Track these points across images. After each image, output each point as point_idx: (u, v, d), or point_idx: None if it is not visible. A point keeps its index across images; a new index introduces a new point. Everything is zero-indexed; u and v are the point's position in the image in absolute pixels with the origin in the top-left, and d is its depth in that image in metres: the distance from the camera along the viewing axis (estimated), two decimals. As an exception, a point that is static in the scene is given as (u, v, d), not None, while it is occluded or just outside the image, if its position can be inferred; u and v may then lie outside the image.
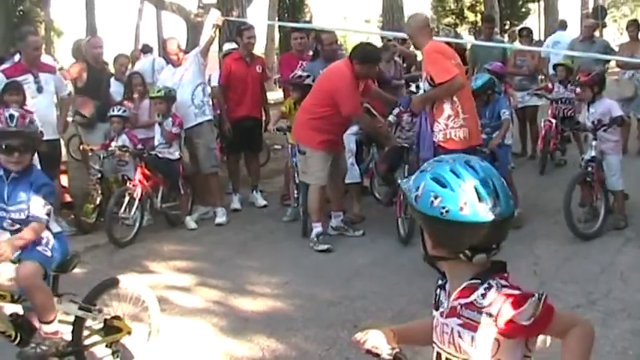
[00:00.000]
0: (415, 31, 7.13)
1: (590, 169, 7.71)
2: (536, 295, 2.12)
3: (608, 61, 13.41)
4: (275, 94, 16.57)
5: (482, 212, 2.12)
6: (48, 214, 4.57)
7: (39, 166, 8.02)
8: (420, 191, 2.19)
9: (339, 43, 9.82)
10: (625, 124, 8.53)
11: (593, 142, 7.81)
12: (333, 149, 7.95)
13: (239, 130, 9.54)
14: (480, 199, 2.13)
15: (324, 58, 8.90)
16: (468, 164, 2.22)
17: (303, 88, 8.59)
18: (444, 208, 2.12)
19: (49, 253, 4.51)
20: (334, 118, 7.66)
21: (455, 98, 6.73)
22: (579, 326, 2.19)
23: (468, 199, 2.12)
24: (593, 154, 7.75)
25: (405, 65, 11.40)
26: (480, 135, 7.40)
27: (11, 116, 4.51)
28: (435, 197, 2.15)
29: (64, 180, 9.53)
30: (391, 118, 8.26)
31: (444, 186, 2.16)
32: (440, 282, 2.40)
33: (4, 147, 4.46)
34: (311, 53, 9.73)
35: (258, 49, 34.96)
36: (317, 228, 7.84)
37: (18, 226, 4.52)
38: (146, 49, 14.89)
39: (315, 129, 7.77)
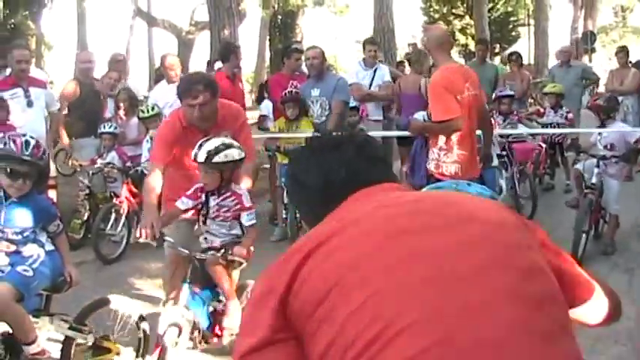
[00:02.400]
0: (432, 48, 6.55)
1: (592, 195, 7.65)
2: None
3: (590, 84, 13.69)
4: (255, 113, 16.51)
5: None
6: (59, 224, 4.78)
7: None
8: None
9: (327, 61, 9.74)
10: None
11: (595, 170, 7.72)
12: None
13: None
14: None
15: (313, 76, 8.92)
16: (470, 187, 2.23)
17: (298, 104, 8.67)
18: None
19: (29, 273, 4.44)
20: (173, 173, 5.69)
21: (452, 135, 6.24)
22: None
23: None
24: (594, 180, 7.69)
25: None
26: (477, 167, 6.62)
27: (27, 143, 4.44)
28: None
29: (52, 195, 9.45)
30: None
31: None
32: None
33: (8, 170, 4.41)
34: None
35: (249, 68, 35.20)
36: None
37: (14, 247, 4.50)
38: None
39: None
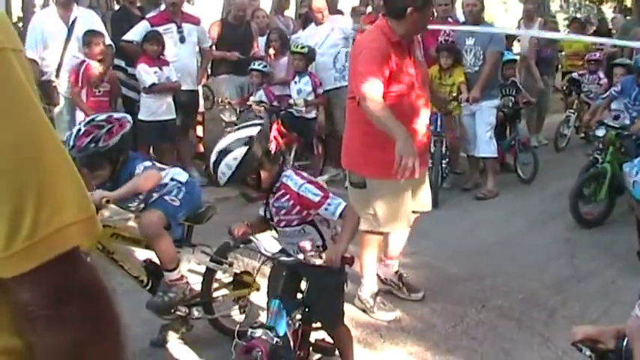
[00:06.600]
0: None
1: None
2: None
3: None
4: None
5: None
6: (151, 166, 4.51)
7: (174, 115, 8.13)
8: (638, 177, 2.08)
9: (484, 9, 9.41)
10: None
11: None
12: None
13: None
14: None
15: (471, 22, 8.58)
16: None
17: (454, 53, 8.53)
18: None
19: (177, 203, 4.51)
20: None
21: None
22: None
23: None
24: None
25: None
26: None
27: (77, 132, 4.23)
28: None
29: (199, 130, 9.71)
30: None
31: None
32: None
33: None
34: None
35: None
36: (369, 283, 5.39)
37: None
38: None
39: None
